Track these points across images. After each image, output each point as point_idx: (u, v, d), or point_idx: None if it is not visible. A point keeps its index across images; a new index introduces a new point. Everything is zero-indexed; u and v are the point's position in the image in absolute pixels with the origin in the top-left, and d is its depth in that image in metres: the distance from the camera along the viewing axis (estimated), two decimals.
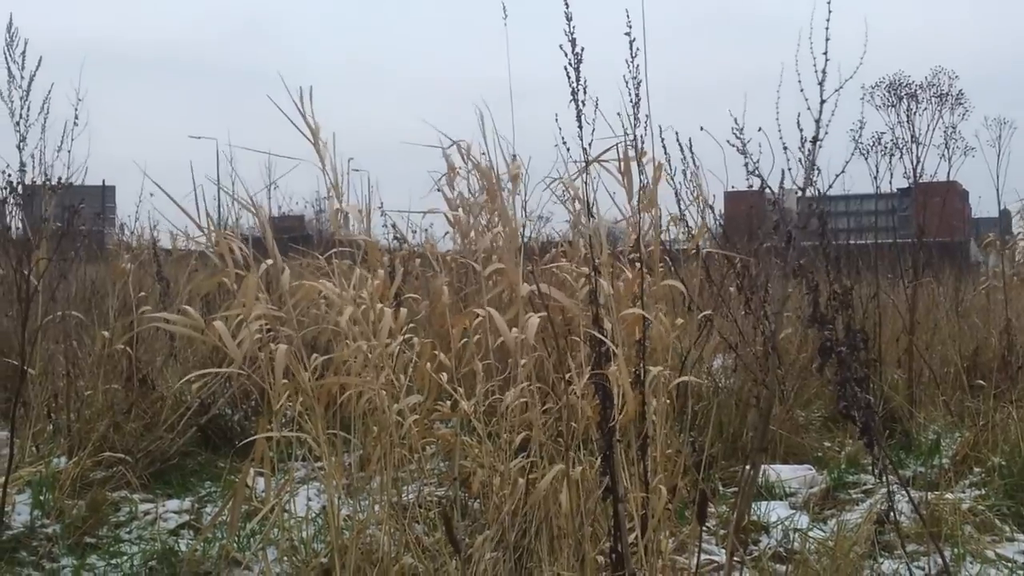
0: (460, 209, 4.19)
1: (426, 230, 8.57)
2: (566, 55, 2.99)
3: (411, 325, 4.08)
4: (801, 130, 2.29)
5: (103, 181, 11.69)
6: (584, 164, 3.20)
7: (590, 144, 3.08)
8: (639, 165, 3.37)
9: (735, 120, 3.29)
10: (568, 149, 3.38)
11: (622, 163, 3.31)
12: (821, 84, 2.07)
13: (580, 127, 3.00)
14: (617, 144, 3.30)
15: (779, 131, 2.40)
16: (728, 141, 3.15)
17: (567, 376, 3.15)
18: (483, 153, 3.87)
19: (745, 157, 3.29)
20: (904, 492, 3.27)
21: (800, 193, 2.29)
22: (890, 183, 7.49)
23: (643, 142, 3.29)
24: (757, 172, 2.61)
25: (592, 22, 3.00)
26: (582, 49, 2.98)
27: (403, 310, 3.93)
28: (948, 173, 7.70)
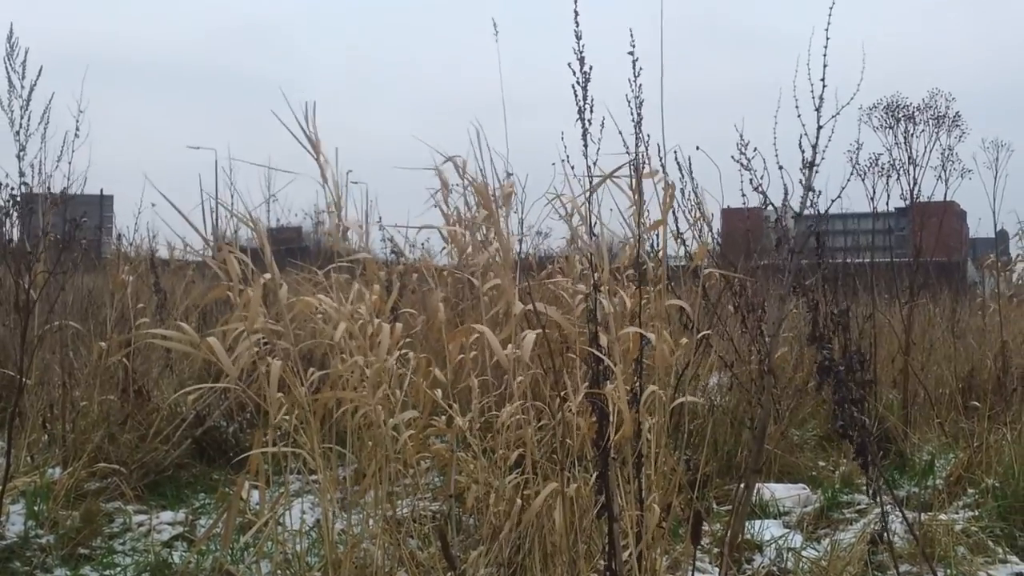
0: (456, 225, 4.21)
1: (423, 244, 8.61)
2: (574, 73, 3.01)
3: (407, 340, 4.09)
4: (802, 151, 2.31)
5: (101, 191, 11.73)
6: (590, 182, 3.22)
7: (595, 163, 3.10)
8: (640, 184, 3.39)
9: (740, 136, 3.32)
10: (572, 167, 3.40)
11: (633, 181, 3.32)
12: (818, 110, 2.09)
13: (586, 145, 3.03)
14: (625, 163, 3.31)
15: (776, 153, 2.42)
16: (732, 157, 3.18)
17: (563, 394, 3.16)
18: (480, 169, 3.89)
19: (750, 173, 3.31)
20: (898, 512, 3.28)
21: (797, 215, 2.30)
22: (887, 204, 7.50)
23: (646, 160, 3.32)
24: (761, 189, 2.63)
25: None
26: (590, 68, 3.00)
27: (399, 325, 3.94)
28: (945, 194, 7.71)
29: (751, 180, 2.72)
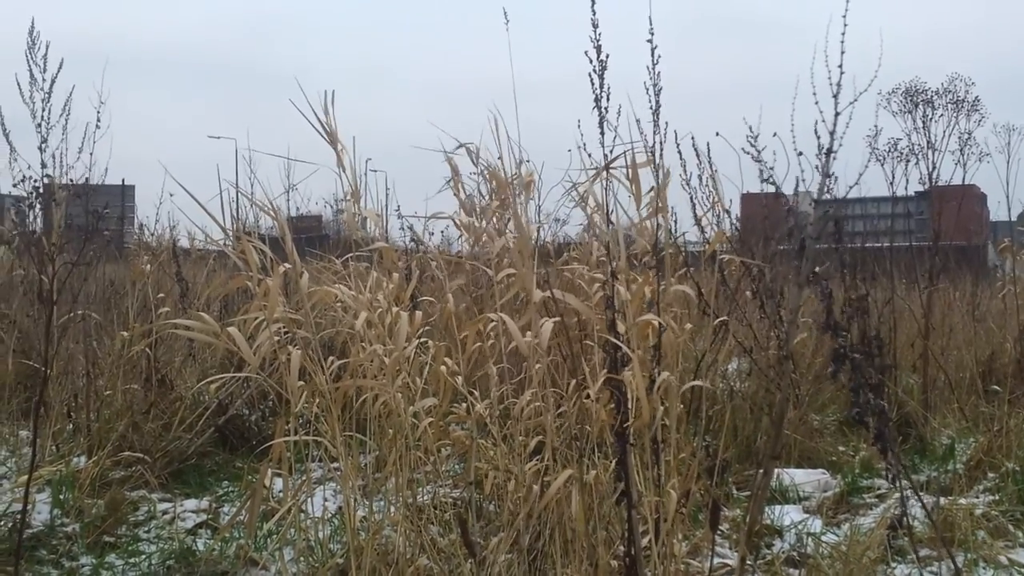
0: (471, 212, 4.21)
1: (442, 232, 8.62)
2: (591, 62, 3.01)
3: (427, 328, 4.11)
4: (818, 138, 2.31)
5: (123, 180, 11.77)
6: (601, 170, 3.23)
7: (611, 151, 3.10)
8: (656, 171, 3.40)
9: (750, 128, 3.31)
10: (590, 155, 3.40)
11: (630, 170, 3.32)
12: (836, 96, 2.09)
13: (602, 132, 3.03)
14: (633, 151, 3.31)
15: (793, 139, 2.42)
16: (743, 149, 3.18)
17: (581, 380, 3.17)
18: (499, 157, 3.89)
19: (760, 164, 3.29)
20: (917, 498, 3.29)
21: (815, 201, 2.31)
22: (906, 188, 7.48)
23: (662, 148, 3.32)
24: (772, 180, 2.64)
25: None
26: (607, 56, 3.00)
27: (418, 313, 3.97)
28: (963, 178, 7.68)
29: (761, 171, 2.72)
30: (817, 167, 2.11)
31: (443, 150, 4.13)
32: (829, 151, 2.10)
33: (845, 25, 2.10)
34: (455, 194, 4.41)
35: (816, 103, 2.11)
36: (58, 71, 5.04)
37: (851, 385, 2.23)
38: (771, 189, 2.85)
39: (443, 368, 3.75)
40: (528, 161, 4.14)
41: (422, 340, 3.78)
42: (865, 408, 2.26)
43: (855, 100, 2.07)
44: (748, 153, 2.87)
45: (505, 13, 3.63)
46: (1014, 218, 8.34)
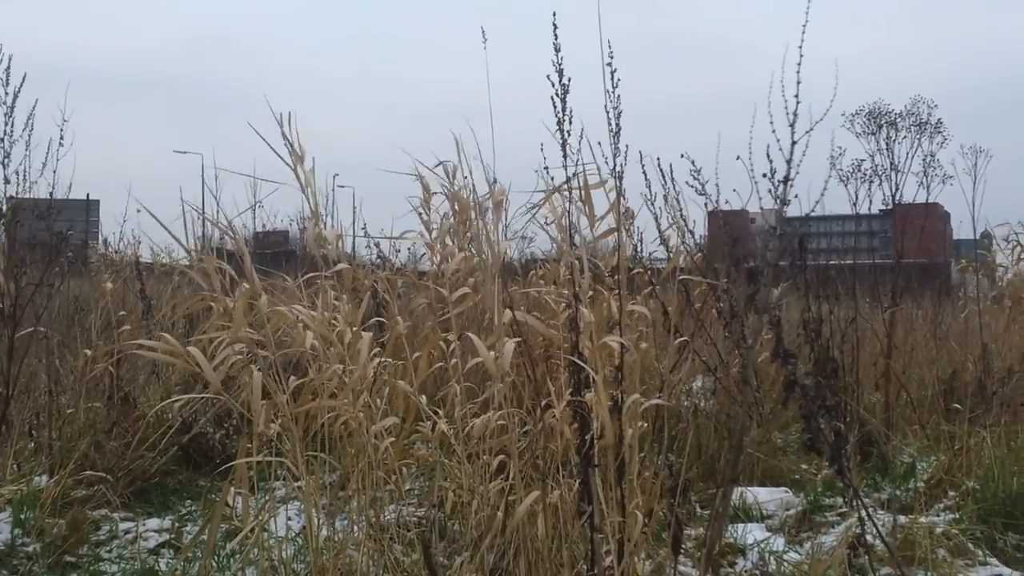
0: (433, 233, 4.21)
1: (409, 249, 8.62)
2: (553, 85, 3.04)
3: (393, 344, 4.11)
4: (771, 161, 2.34)
5: (88, 195, 11.70)
6: (552, 191, 3.26)
7: (574, 174, 3.13)
8: (608, 192, 3.43)
9: (692, 162, 3.33)
10: (552, 178, 3.43)
11: (583, 191, 3.35)
12: (792, 126, 2.12)
13: (564, 156, 3.05)
14: (598, 172, 3.34)
15: (751, 166, 2.45)
16: (687, 182, 3.23)
17: (545, 402, 3.19)
18: (466, 176, 3.91)
19: (704, 196, 3.32)
20: (876, 517, 3.32)
21: (774, 229, 2.34)
22: (869, 207, 7.55)
23: (623, 170, 3.35)
24: (718, 213, 2.68)
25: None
26: (569, 80, 3.03)
27: (381, 331, 3.97)
28: (927, 199, 7.77)
29: (706, 204, 2.78)
30: (769, 190, 2.15)
31: (405, 171, 4.14)
32: (786, 179, 2.13)
33: (801, 56, 2.13)
34: (418, 213, 4.42)
35: (773, 131, 2.14)
36: (20, 85, 5.02)
37: (802, 412, 2.26)
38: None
39: (405, 385, 3.76)
40: (496, 182, 4.16)
41: (384, 360, 3.79)
42: (817, 435, 2.29)
43: (810, 130, 2.11)
44: (692, 187, 2.92)
45: (483, 33, 3.65)
46: (978, 236, 8.43)
